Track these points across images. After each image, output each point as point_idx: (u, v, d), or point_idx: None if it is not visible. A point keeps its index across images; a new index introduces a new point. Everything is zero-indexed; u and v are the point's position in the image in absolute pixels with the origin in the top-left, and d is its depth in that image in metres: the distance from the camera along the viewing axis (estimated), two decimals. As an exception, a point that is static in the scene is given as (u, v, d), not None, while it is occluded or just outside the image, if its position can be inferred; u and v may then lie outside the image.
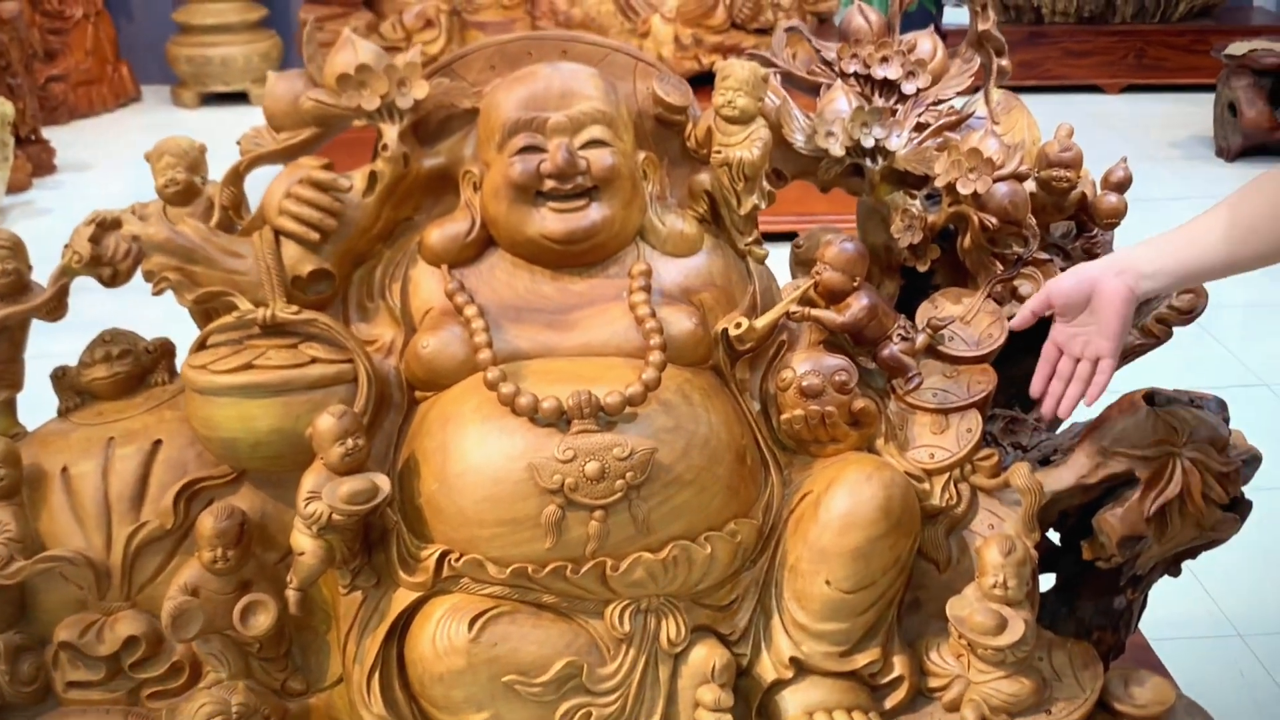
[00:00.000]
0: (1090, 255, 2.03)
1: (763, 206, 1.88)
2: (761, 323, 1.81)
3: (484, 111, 1.80)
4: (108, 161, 6.45)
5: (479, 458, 1.66)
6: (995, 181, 1.83)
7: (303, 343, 1.74)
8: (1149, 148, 6.82)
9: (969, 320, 1.91)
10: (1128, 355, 2.02)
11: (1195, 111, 7.17)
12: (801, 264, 1.98)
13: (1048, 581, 2.06)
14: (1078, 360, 1.75)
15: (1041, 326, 1.98)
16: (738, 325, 1.80)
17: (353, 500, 1.62)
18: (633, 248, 1.84)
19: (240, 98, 7.43)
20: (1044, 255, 2.01)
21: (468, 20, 5.48)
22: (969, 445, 1.81)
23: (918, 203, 1.92)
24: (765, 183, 1.87)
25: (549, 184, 1.75)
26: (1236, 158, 6.60)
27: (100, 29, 7.43)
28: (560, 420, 1.65)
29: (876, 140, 1.87)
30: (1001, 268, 1.93)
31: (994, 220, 1.84)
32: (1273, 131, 6.49)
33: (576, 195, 1.76)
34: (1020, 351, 1.95)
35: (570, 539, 1.64)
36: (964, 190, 1.83)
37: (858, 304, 1.79)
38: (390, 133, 1.77)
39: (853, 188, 1.96)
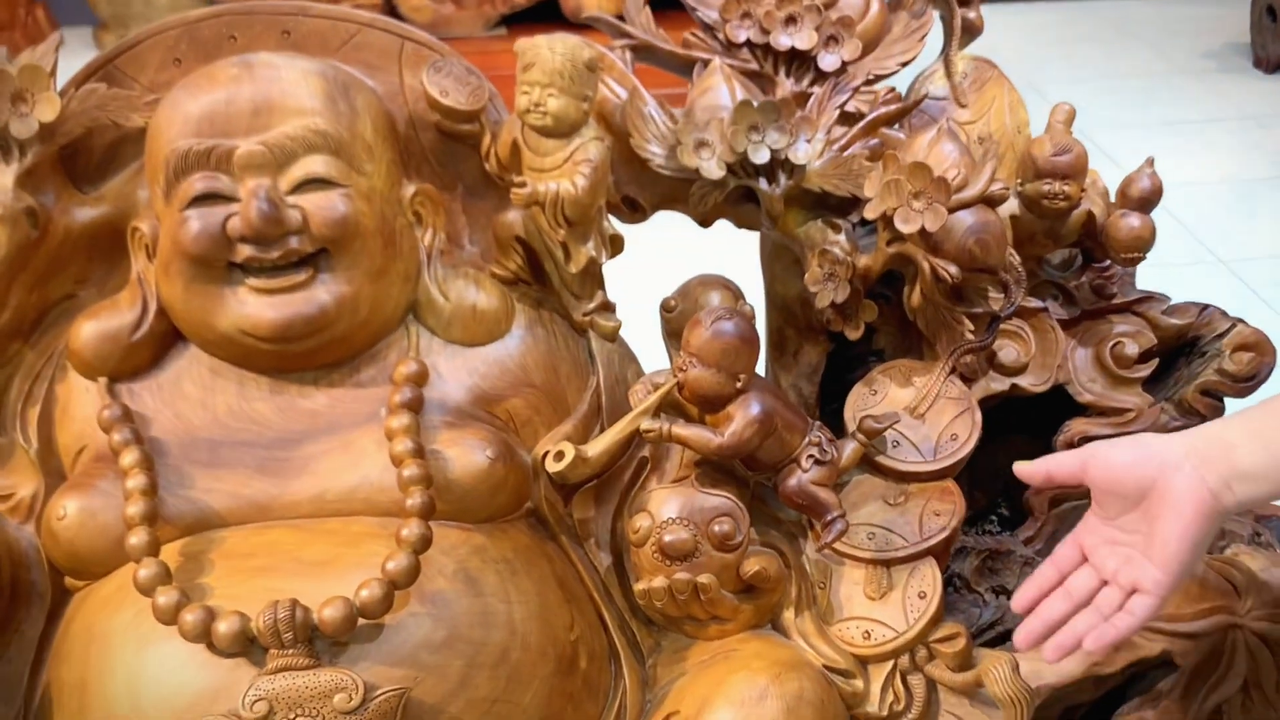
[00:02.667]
0: (1103, 295, 1.38)
1: (604, 259, 1.24)
2: (595, 451, 1.17)
3: (148, 138, 1.16)
4: (18, 118, 5.79)
5: (126, 710, 1.04)
6: (953, 210, 1.18)
7: None
8: (1179, 60, 6.09)
9: (922, 413, 1.27)
10: (1163, 441, 1.38)
11: (1230, 15, 6.41)
12: (674, 336, 1.33)
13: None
14: (1104, 582, 1.06)
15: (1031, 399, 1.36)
16: (559, 456, 1.16)
17: (-88, 796, 1.00)
18: (400, 334, 1.21)
19: (164, 38, 6.76)
20: (1035, 302, 1.36)
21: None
22: (923, 619, 1.18)
23: (843, 238, 1.27)
24: (608, 221, 1.24)
25: (244, 251, 1.11)
26: (1278, 69, 5.87)
27: (10, -31, 6.75)
28: (253, 648, 1.02)
29: (773, 151, 1.22)
30: (971, 327, 1.28)
31: (953, 270, 1.19)
32: (1317, 38, 5.76)
33: (290, 266, 1.13)
34: (998, 429, 1.32)
35: (271, 839, 1.02)
36: (905, 227, 1.18)
37: (743, 416, 1.15)
38: (2, 178, 1.13)
39: (747, 219, 1.31)
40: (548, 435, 1.22)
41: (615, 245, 1.24)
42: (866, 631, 1.19)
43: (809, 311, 1.34)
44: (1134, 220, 1.28)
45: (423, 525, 1.06)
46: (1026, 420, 1.40)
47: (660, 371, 1.24)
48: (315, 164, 1.12)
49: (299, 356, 1.16)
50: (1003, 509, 1.47)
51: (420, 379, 1.17)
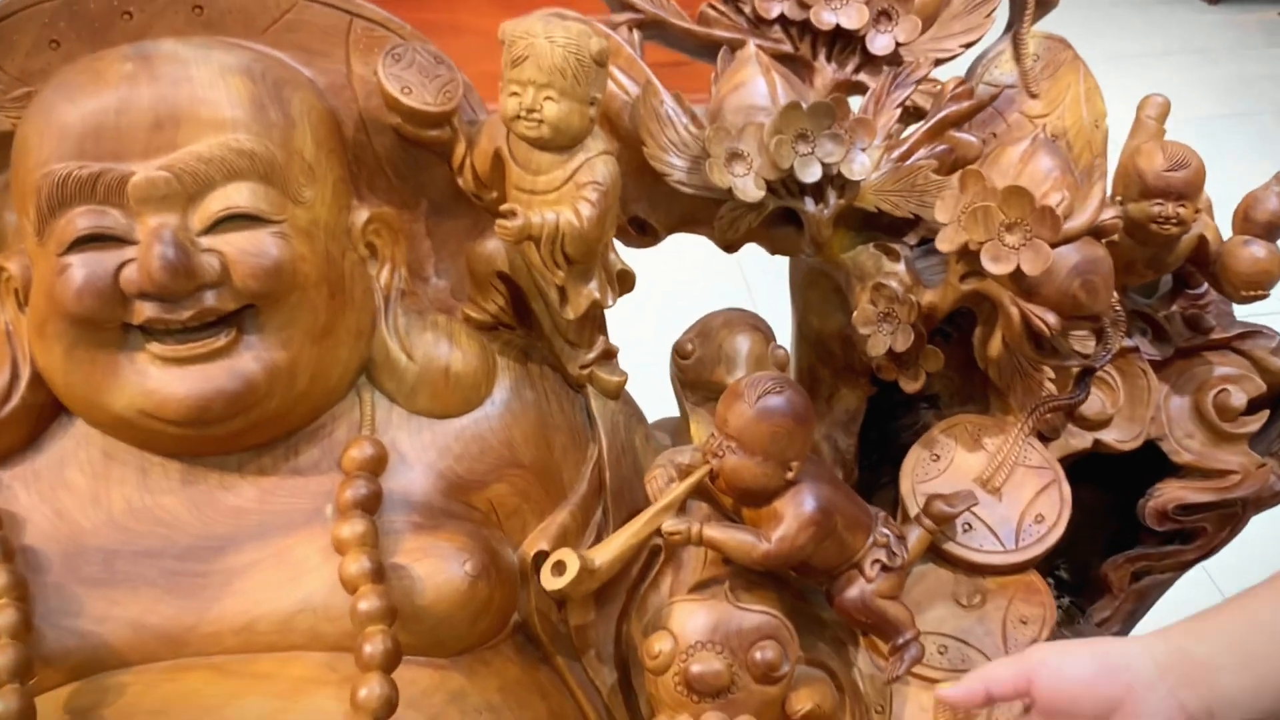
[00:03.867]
0: (1199, 328, 1.15)
1: (610, 302, 0.97)
2: (604, 559, 0.91)
3: (14, 150, 0.87)
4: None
5: None
6: (1057, 246, 0.93)
7: None
8: (1122, -11, 5.89)
9: (998, 486, 1.03)
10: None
11: (1172, -58, 6.22)
12: (692, 387, 1.07)
13: None
14: None
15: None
16: (559, 568, 0.90)
17: None
18: (350, 403, 0.94)
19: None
20: (1125, 340, 1.12)
21: None
22: (1012, 762, 0.95)
23: (902, 267, 1.02)
24: (614, 255, 0.97)
25: (144, 311, 0.83)
26: (1221, 0, 5.68)
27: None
28: None
29: (825, 166, 0.95)
30: (1054, 378, 1.04)
31: (1051, 319, 0.94)
32: (1264, -32, 5.56)
33: (206, 327, 0.85)
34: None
35: None
36: (996, 267, 0.93)
37: (795, 515, 0.90)
38: None
39: (783, 244, 1.05)
40: (539, 527, 0.96)
41: (624, 283, 0.98)
42: (939, 775, 0.95)
43: (849, 351, 1.10)
44: (1259, 250, 1.04)
45: (385, 683, 0.80)
46: (1098, 467, 1.17)
47: (672, 455, 0.97)
48: (238, 194, 0.83)
49: (219, 440, 0.88)
50: (1063, 570, 1.25)
51: (377, 465, 0.90)
